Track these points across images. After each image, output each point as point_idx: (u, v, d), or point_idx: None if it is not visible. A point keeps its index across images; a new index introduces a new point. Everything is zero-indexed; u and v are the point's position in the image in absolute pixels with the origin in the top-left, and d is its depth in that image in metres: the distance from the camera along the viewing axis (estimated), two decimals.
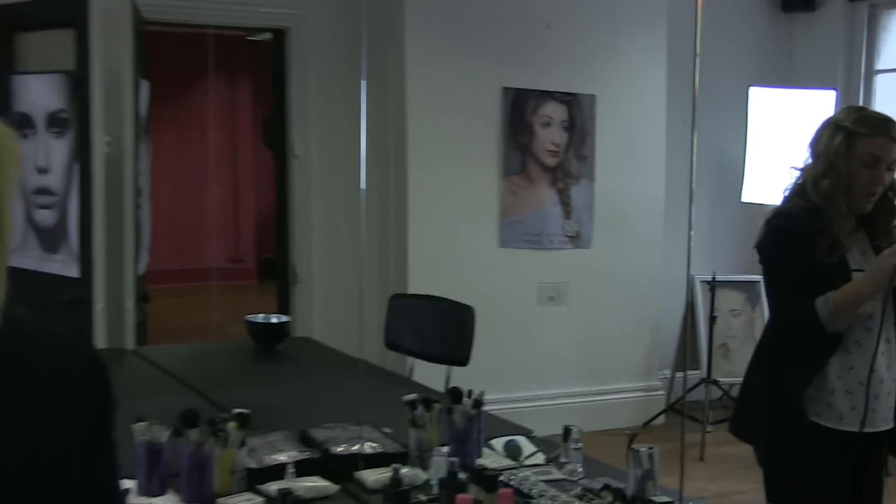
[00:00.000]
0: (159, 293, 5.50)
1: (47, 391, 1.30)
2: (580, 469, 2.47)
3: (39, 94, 4.50)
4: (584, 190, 5.80)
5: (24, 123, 4.38)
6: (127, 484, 2.00)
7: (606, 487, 2.32)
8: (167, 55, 6.50)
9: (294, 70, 5.60)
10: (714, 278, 5.65)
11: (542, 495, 2.28)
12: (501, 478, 2.26)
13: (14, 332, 1.26)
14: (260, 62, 8.45)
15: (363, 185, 3.99)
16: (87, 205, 4.31)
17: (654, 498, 2.24)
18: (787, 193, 2.79)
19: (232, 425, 2.40)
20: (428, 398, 2.60)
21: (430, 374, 3.61)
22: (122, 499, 1.47)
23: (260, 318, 4.19)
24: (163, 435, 2.35)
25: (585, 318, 5.76)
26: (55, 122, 4.42)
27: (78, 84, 4.31)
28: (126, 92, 4.59)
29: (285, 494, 2.14)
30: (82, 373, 1.36)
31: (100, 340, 4.07)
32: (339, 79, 5.39)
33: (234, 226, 10.30)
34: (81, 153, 4.33)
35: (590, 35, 5.71)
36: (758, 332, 3.16)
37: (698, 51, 2.65)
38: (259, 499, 2.32)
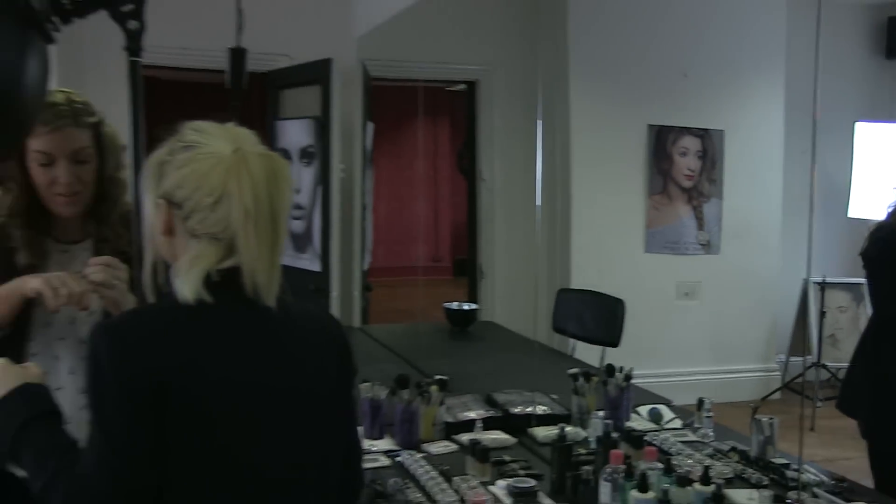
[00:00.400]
0: (378, 285, 5.61)
1: (310, 360, 1.35)
2: (711, 433, 2.40)
3: (294, 134, 4.68)
4: (714, 207, 5.63)
5: (284, 156, 4.57)
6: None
7: (733, 449, 2.25)
8: (387, 103, 6.62)
9: (482, 112, 5.64)
10: (824, 280, 5.42)
11: (680, 453, 2.23)
12: (646, 438, 2.22)
13: (284, 314, 1.32)
14: (456, 107, 8.51)
15: (538, 201, 3.98)
16: (326, 216, 4.45)
17: (773, 459, 2.16)
18: (889, 210, 2.64)
19: (434, 388, 2.44)
20: (587, 372, 2.58)
21: (588, 354, 3.58)
22: (359, 442, 1.51)
23: (454, 305, 4.23)
24: (382, 394, 2.40)
25: (715, 311, 5.59)
26: (305, 155, 4.59)
27: (322, 126, 4.46)
28: (357, 132, 4.73)
29: (474, 443, 2.15)
30: (333, 346, 1.40)
31: None
32: (517, 118, 5.39)
33: (434, 233, 10.43)
34: (323, 178, 4.47)
35: (720, 80, 5.55)
36: (862, 326, 2.99)
37: (818, 92, 2.53)
38: (454, 446, 2.35)
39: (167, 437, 1.19)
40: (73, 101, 1.86)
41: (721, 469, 2.10)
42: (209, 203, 1.25)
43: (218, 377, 1.23)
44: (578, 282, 5.15)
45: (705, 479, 1.87)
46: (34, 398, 1.35)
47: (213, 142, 1.29)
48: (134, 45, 1.60)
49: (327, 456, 1.36)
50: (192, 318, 1.24)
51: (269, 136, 4.75)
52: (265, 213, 1.26)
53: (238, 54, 1.91)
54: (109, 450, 1.19)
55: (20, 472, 1.89)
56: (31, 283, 1.77)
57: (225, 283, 1.25)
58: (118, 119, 1.97)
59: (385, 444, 2.33)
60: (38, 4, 1.46)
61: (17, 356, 1.82)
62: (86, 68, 4.45)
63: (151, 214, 1.32)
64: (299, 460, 1.31)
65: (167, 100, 4.80)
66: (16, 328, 1.87)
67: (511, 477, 2.05)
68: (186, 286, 1.24)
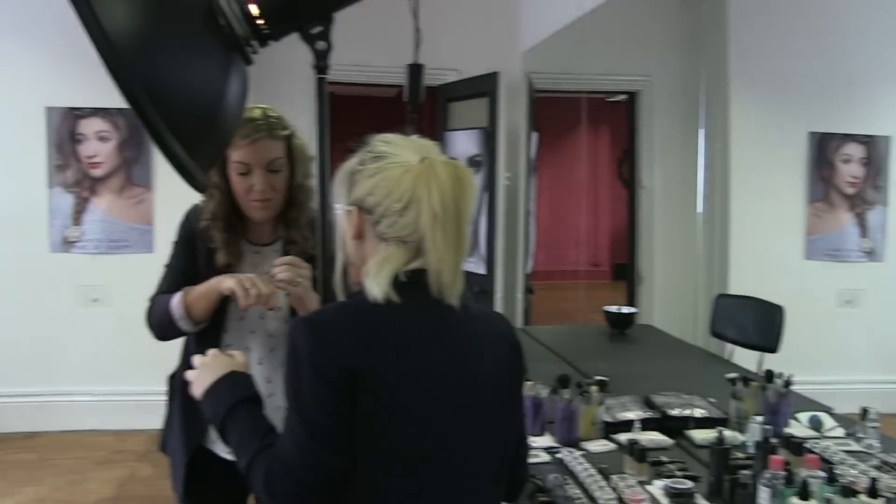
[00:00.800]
0: (540, 287, 5.60)
1: (486, 358, 1.36)
2: (877, 444, 2.23)
3: (462, 143, 4.74)
4: (878, 214, 5.26)
5: None
6: None
7: None
8: (551, 114, 6.60)
9: (642, 121, 5.52)
10: None
11: (843, 463, 2.09)
12: (807, 445, 2.10)
13: (464, 313, 1.34)
14: (615, 117, 8.39)
15: (700, 209, 3.86)
16: (492, 222, 4.48)
17: None
18: None
19: (594, 388, 2.41)
20: (746, 377, 2.48)
21: (745, 359, 3.43)
22: (527, 438, 1.52)
23: (614, 308, 4.17)
24: (543, 392, 2.39)
25: (879, 319, 5.21)
26: (473, 164, 4.64)
27: (489, 136, 4.50)
28: (521, 141, 4.74)
29: (633, 443, 2.10)
30: (507, 346, 1.41)
31: None
32: (676, 127, 5.23)
33: (594, 238, 10.27)
34: (489, 185, 4.51)
35: (885, 87, 5.18)
36: None
37: None
38: (612, 445, 2.31)
39: (357, 423, 1.23)
40: (269, 116, 1.96)
41: (889, 482, 1.95)
42: (398, 209, 1.29)
43: (404, 369, 1.26)
44: (736, 288, 4.94)
45: (872, 492, 1.75)
46: (239, 385, 1.44)
47: (401, 152, 1.33)
48: (321, 63, 1.67)
49: (500, 448, 1.37)
50: (382, 315, 1.28)
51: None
52: (451, 217, 1.28)
53: (416, 70, 1.95)
54: (305, 433, 1.24)
55: (223, 452, 2.01)
56: (226, 283, 1.87)
57: (411, 283, 1.29)
58: (302, 131, 2.07)
59: (545, 440, 2.32)
60: (240, 30, 1.55)
61: (215, 346, 1.95)
62: (274, 85, 4.68)
63: (343, 220, 1.37)
64: (476, 451, 1.32)
65: (345, 113, 4.97)
66: (213, 321, 1.99)
67: (668, 478, 1.99)
68: (376, 286, 1.28)
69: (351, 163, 1.37)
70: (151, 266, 2.20)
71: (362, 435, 1.23)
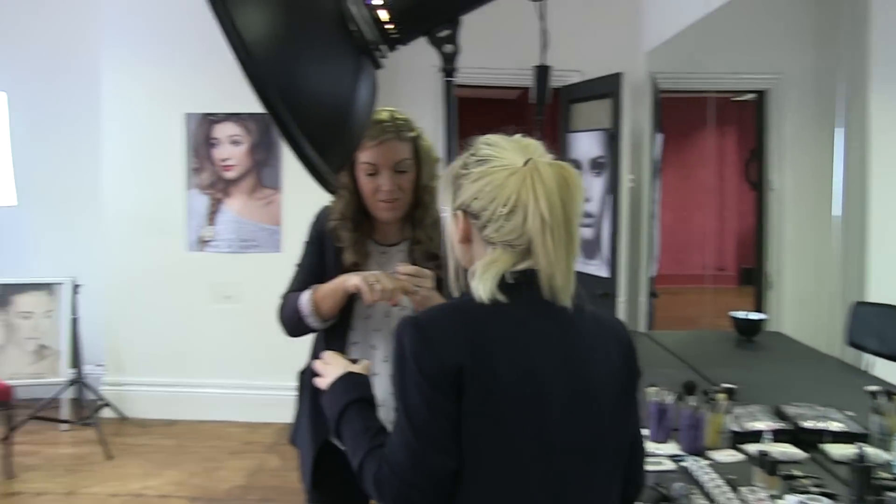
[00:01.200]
0: (664, 291, 5.47)
1: (598, 359, 1.34)
2: None
3: (585, 145, 4.68)
4: None
5: (575, 167, 4.59)
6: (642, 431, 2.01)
7: None
8: (676, 114, 6.44)
9: (772, 120, 5.30)
10: None
11: None
12: None
13: (579, 313, 1.32)
14: (743, 116, 8.11)
15: (837, 212, 3.68)
16: (615, 224, 4.41)
17: None
18: None
19: (721, 396, 2.32)
20: (889, 390, 2.33)
21: (887, 371, 3.24)
22: (642, 442, 1.47)
23: (741, 314, 4.03)
24: (668, 398, 2.33)
25: None
26: (595, 165, 4.58)
27: (612, 138, 4.43)
28: (645, 143, 4.64)
29: (763, 454, 2.02)
30: (620, 348, 1.38)
31: None
32: (808, 127, 5.01)
33: (719, 242, 9.95)
34: (613, 187, 4.44)
35: None
36: None
37: None
38: (740, 455, 2.22)
39: (464, 423, 1.22)
40: (396, 118, 1.98)
41: None
42: (504, 213, 1.28)
43: (511, 369, 1.25)
44: (875, 295, 4.67)
45: None
46: (353, 386, 1.46)
47: (505, 154, 1.31)
48: (448, 66, 1.67)
49: (612, 450, 1.34)
50: (488, 315, 1.27)
51: (560, 148, 4.79)
52: (560, 219, 1.27)
53: (543, 71, 1.94)
54: (412, 433, 1.24)
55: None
56: (351, 280, 1.91)
57: (519, 284, 1.28)
58: (427, 133, 2.08)
59: (670, 448, 2.25)
60: (370, 35, 1.57)
61: (341, 343, 1.98)
62: (400, 87, 4.74)
63: (450, 224, 1.36)
64: (587, 453, 1.29)
65: (466, 115, 4.99)
66: (341, 319, 2.02)
67: (802, 493, 1.90)
68: (482, 287, 1.28)
69: (454, 166, 1.37)
70: (279, 265, 2.26)
71: (469, 435, 1.22)
